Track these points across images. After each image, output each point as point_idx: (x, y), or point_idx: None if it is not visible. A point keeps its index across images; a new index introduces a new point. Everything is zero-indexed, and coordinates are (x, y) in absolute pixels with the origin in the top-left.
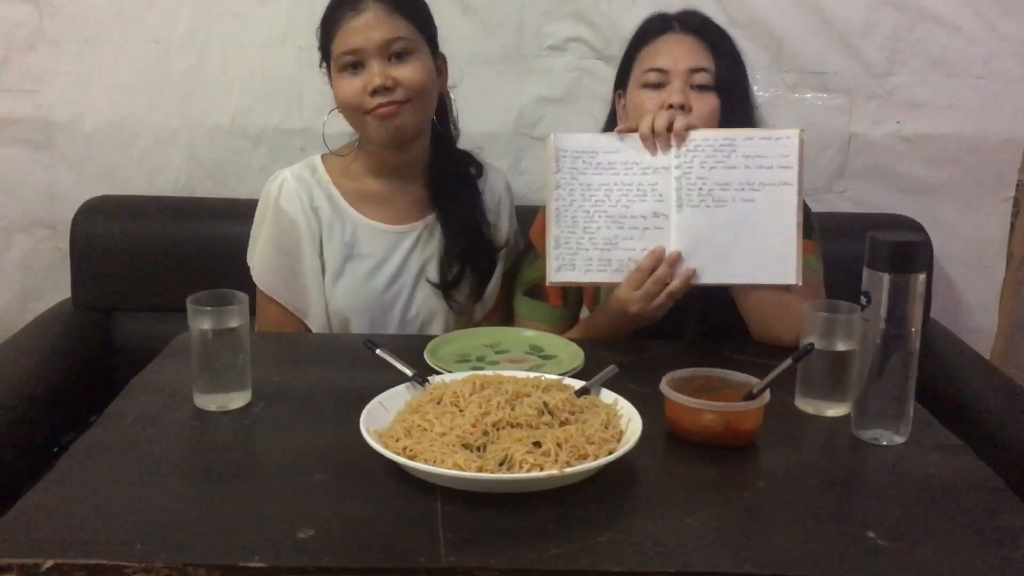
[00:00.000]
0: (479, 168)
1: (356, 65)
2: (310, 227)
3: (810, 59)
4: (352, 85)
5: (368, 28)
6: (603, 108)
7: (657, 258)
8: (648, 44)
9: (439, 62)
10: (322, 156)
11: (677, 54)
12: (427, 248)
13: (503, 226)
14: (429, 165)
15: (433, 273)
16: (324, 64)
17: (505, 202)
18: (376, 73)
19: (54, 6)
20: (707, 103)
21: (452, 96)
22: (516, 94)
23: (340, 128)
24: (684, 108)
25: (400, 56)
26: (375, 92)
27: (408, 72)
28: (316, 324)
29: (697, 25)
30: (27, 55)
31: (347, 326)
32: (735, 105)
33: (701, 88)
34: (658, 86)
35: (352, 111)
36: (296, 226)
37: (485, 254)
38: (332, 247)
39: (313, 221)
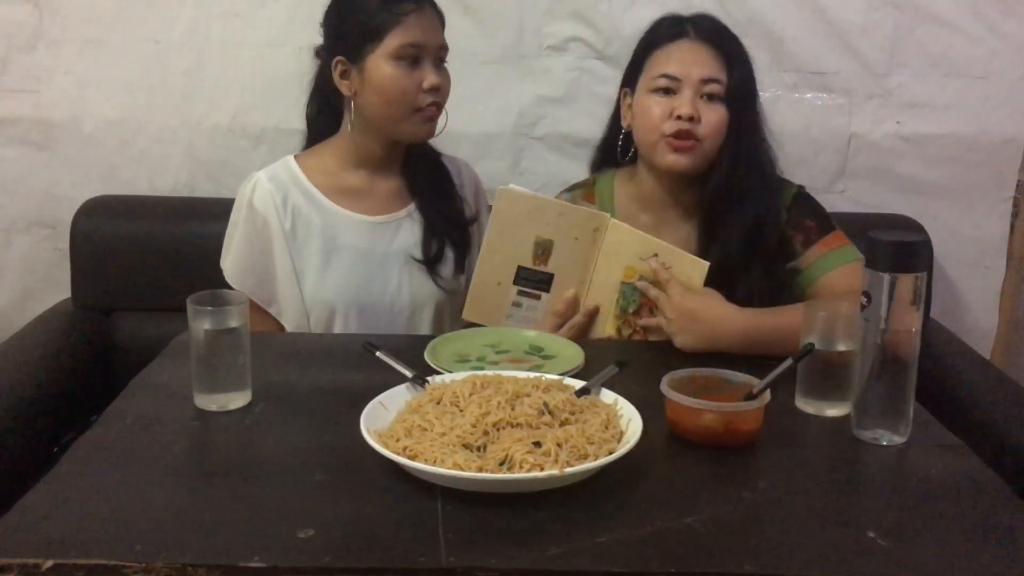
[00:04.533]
0: (437, 152)
1: (415, 60)
2: (282, 226)
3: (810, 59)
4: (408, 78)
5: (431, 28)
6: (603, 108)
7: (570, 304)
8: (660, 48)
9: None
10: (295, 156)
11: (690, 62)
12: (410, 236)
13: (472, 202)
14: (404, 156)
15: (417, 254)
16: (354, 47)
17: (477, 181)
18: (434, 73)
19: (54, 6)
20: (716, 113)
21: None
22: (516, 94)
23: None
24: (693, 119)
25: (443, 61)
26: (431, 90)
27: (448, 79)
28: (291, 322)
29: (711, 33)
30: (27, 55)
31: (332, 320)
32: (743, 117)
33: (711, 98)
34: (668, 92)
35: (403, 104)
36: (268, 225)
37: (460, 228)
38: (313, 243)
39: (286, 220)
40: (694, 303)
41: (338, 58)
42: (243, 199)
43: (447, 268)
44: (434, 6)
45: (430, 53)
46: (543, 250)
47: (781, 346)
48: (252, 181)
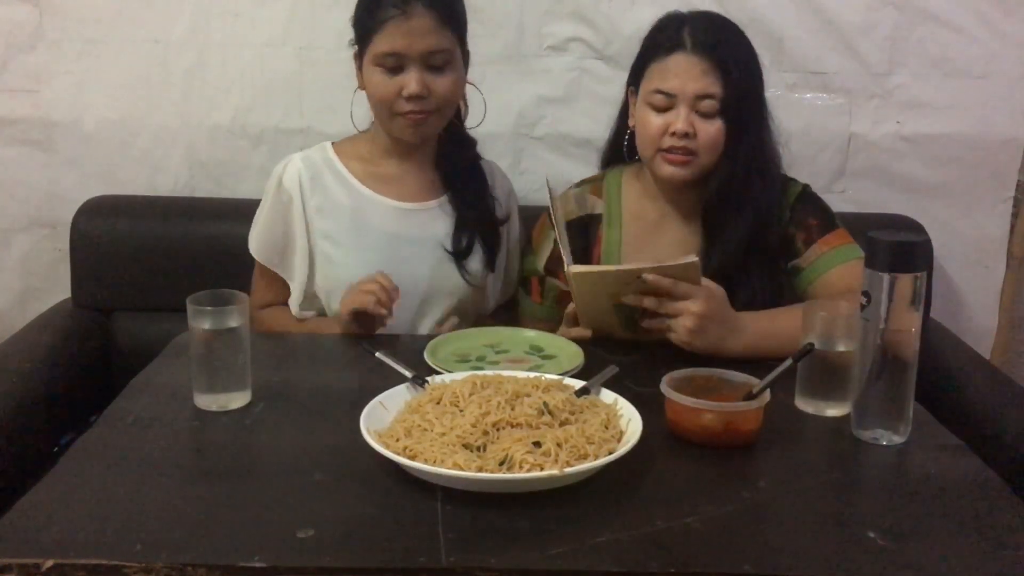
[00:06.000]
0: (475, 153)
1: (395, 67)
2: (304, 205)
3: (810, 59)
4: (388, 85)
5: (414, 34)
6: (603, 108)
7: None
8: (658, 60)
9: (465, 58)
10: (332, 143)
11: (685, 77)
12: (440, 226)
13: (504, 203)
14: (439, 146)
15: (448, 245)
16: (356, 47)
17: (509, 184)
18: (415, 80)
19: (54, 6)
20: (712, 127)
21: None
22: (516, 94)
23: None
24: (688, 136)
25: (439, 67)
26: (410, 98)
27: (443, 84)
28: (296, 299)
29: (707, 42)
30: (27, 55)
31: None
32: (742, 123)
33: (706, 115)
34: (664, 108)
35: (384, 108)
36: (292, 203)
37: (492, 226)
38: (342, 223)
39: (311, 199)
40: (721, 306)
41: (355, 49)
42: (275, 176)
43: (475, 263)
44: (430, 7)
45: (415, 60)
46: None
47: (784, 351)
48: (285, 161)
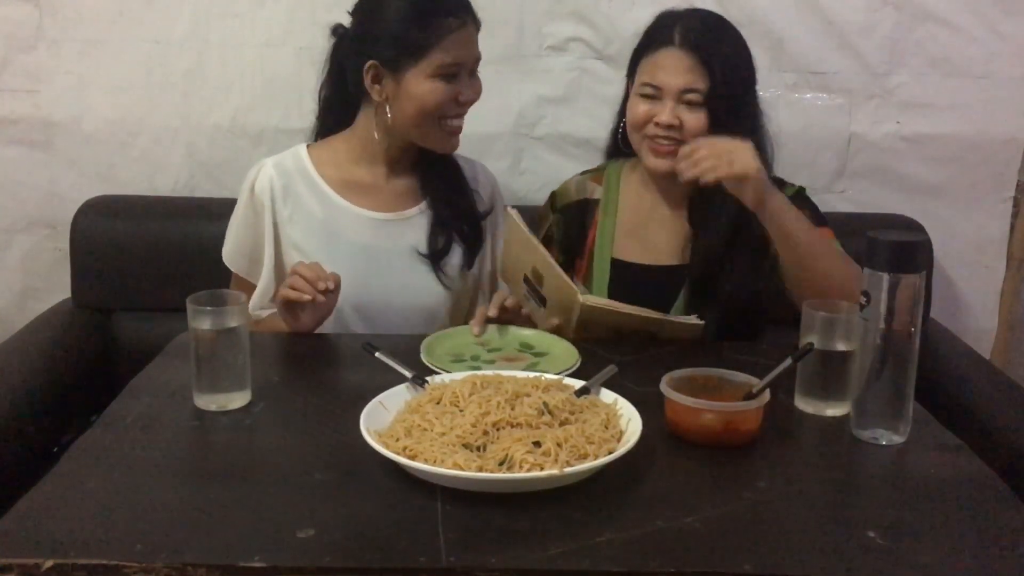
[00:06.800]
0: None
1: (453, 75)
2: (275, 215)
3: (810, 59)
4: (446, 92)
5: (470, 43)
6: (603, 108)
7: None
8: (649, 55)
9: None
10: (307, 145)
11: (671, 73)
12: (419, 234)
13: (488, 200)
14: (418, 153)
15: (424, 250)
16: (392, 58)
17: (494, 183)
18: (470, 87)
19: (54, 6)
20: (696, 120)
21: None
22: (516, 94)
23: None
24: (672, 127)
25: (475, 72)
26: (465, 103)
27: (480, 88)
28: (255, 301)
29: (696, 40)
30: (27, 55)
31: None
32: (728, 117)
33: (691, 105)
34: (652, 98)
35: (435, 117)
36: (264, 211)
37: (471, 222)
38: (313, 235)
39: (284, 209)
40: (716, 139)
41: (371, 62)
42: (247, 183)
43: (453, 263)
44: (474, 17)
45: (470, 68)
46: (536, 277)
47: (799, 238)
48: (257, 167)
